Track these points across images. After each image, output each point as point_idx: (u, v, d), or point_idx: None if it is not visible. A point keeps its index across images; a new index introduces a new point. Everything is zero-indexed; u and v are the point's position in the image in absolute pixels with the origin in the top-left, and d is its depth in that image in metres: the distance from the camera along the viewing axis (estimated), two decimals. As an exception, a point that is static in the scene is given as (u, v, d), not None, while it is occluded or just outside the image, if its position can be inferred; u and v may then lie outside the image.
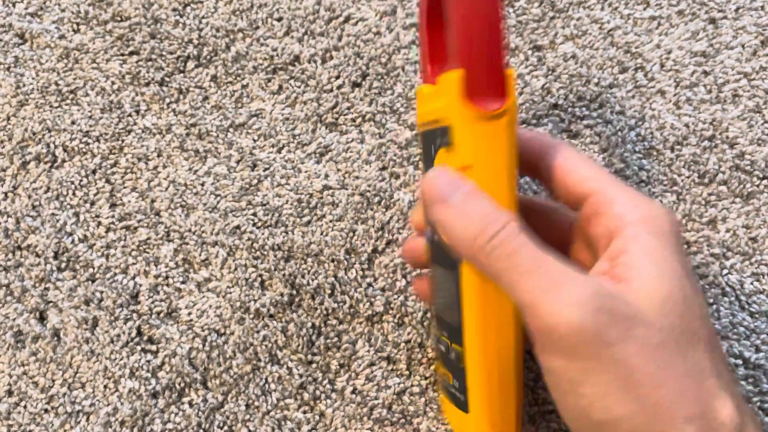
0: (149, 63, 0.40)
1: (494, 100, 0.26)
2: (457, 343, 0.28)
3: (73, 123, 0.39)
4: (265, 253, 0.37)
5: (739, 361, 0.35)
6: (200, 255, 0.38)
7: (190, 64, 0.40)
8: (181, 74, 0.40)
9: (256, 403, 0.36)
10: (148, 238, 0.38)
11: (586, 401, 0.23)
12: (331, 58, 0.39)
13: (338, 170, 0.38)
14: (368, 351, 0.36)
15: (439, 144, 0.28)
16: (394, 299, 0.37)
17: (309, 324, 0.37)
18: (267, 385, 0.36)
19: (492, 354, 0.27)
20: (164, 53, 0.40)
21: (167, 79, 0.40)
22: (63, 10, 0.40)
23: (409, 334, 0.36)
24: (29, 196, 0.38)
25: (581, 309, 0.22)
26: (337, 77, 0.39)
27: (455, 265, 0.27)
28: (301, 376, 0.36)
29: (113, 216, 0.38)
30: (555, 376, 0.24)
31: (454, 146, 0.26)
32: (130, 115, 0.39)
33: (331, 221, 0.38)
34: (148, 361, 0.37)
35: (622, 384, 0.22)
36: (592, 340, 0.22)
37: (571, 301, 0.22)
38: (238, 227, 0.38)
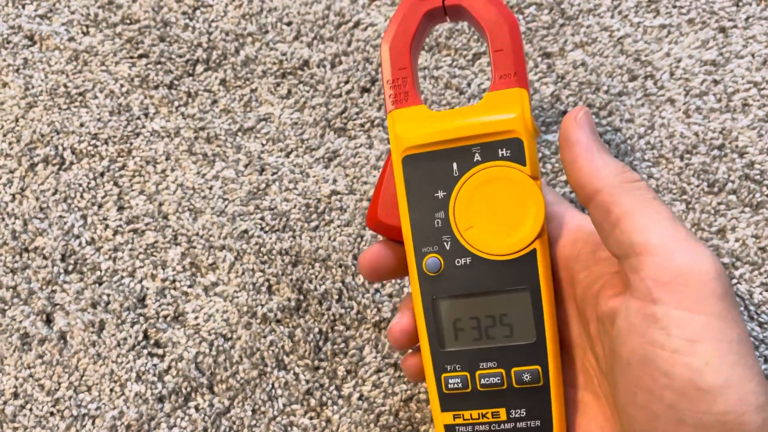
0: (158, 66, 0.40)
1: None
2: (530, 363, 0.27)
3: (81, 125, 0.39)
4: (273, 257, 0.37)
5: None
6: (207, 259, 0.38)
7: (199, 68, 0.40)
8: (190, 77, 0.40)
9: (263, 409, 0.36)
10: (156, 242, 0.38)
11: (701, 361, 0.22)
12: (341, 63, 0.39)
13: (346, 175, 0.38)
14: (375, 357, 0.36)
15: (482, 159, 0.28)
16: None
17: (316, 329, 0.37)
18: (273, 391, 0.36)
19: (560, 363, 0.28)
20: (173, 56, 0.40)
21: (176, 82, 0.40)
22: (72, 13, 0.40)
23: (416, 340, 0.36)
24: (37, 198, 0.38)
25: (718, 263, 0.23)
26: (346, 82, 0.39)
27: (533, 283, 0.27)
28: (307, 381, 0.36)
29: (121, 219, 0.38)
30: (669, 333, 0.22)
31: (527, 159, 0.27)
32: (138, 118, 0.39)
33: (338, 226, 0.38)
34: (155, 365, 0.36)
35: (736, 348, 0.22)
36: (723, 294, 0.22)
37: (709, 253, 0.23)
38: (245, 231, 0.38)
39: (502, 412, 0.28)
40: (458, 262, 0.28)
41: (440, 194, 0.28)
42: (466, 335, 0.28)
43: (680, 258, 0.23)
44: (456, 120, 0.28)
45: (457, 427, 0.28)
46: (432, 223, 0.28)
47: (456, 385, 0.28)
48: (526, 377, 0.27)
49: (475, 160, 0.28)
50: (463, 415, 0.28)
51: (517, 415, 0.27)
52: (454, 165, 0.28)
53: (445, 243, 0.28)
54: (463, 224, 0.28)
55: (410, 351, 0.32)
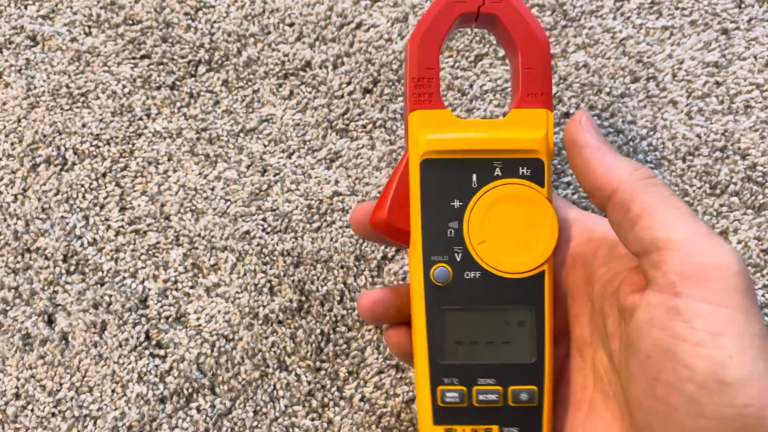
0: (160, 67, 0.40)
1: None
2: (528, 383, 0.28)
3: (83, 126, 0.39)
4: (275, 258, 0.37)
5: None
6: (209, 260, 0.38)
7: (202, 69, 0.40)
8: (192, 78, 0.40)
9: (264, 410, 0.36)
10: (158, 242, 0.38)
11: (724, 354, 0.22)
12: (343, 64, 0.39)
13: (348, 176, 0.38)
14: (377, 358, 0.36)
15: (502, 175, 0.28)
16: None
17: (318, 331, 0.37)
18: (275, 392, 0.36)
19: (553, 384, 0.29)
20: (175, 57, 0.40)
21: (178, 83, 0.40)
22: (75, 13, 0.40)
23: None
24: (39, 199, 0.38)
25: (740, 258, 0.23)
26: (348, 83, 0.39)
27: (539, 304, 0.28)
28: (309, 383, 0.36)
29: (123, 219, 0.38)
30: (692, 326, 0.23)
31: (546, 181, 0.28)
32: (140, 118, 0.39)
33: (340, 227, 0.38)
34: (156, 366, 0.36)
35: (758, 343, 0.22)
36: (746, 288, 0.23)
37: (731, 248, 0.23)
38: (247, 232, 0.38)
39: (495, 429, 0.28)
40: (467, 275, 0.28)
41: (456, 204, 0.28)
42: (468, 349, 0.28)
43: (703, 252, 0.23)
44: (481, 131, 0.28)
45: None
46: (444, 232, 0.28)
47: (453, 399, 0.28)
48: (524, 397, 0.27)
49: (495, 175, 0.28)
50: (455, 429, 0.28)
51: None
52: (474, 176, 0.28)
53: (456, 254, 0.28)
54: (477, 237, 0.28)
55: (386, 326, 0.32)
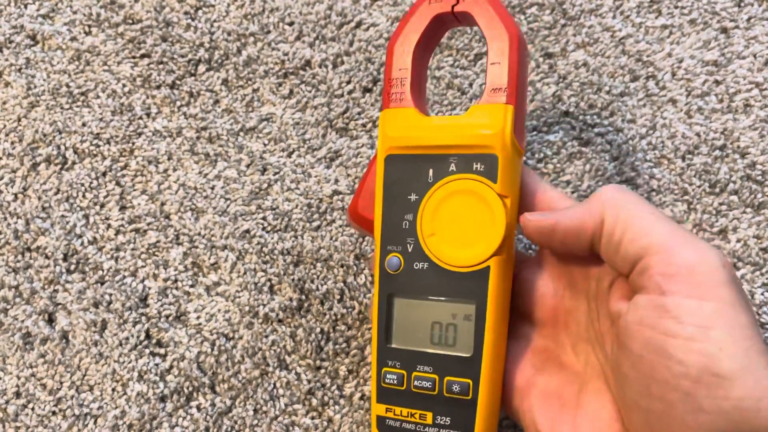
0: (160, 66, 0.40)
1: (521, 139, 0.28)
2: (463, 376, 0.28)
3: (83, 125, 0.39)
4: (275, 257, 0.37)
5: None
6: (209, 259, 0.38)
7: (201, 68, 0.40)
8: (192, 77, 0.40)
9: (264, 408, 0.36)
10: (158, 241, 0.38)
11: (715, 347, 0.22)
12: (342, 63, 0.39)
13: (348, 175, 0.38)
14: (377, 357, 0.36)
15: (456, 170, 0.28)
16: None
17: (318, 329, 0.37)
18: (275, 390, 0.36)
19: (499, 382, 0.29)
20: (175, 56, 0.40)
21: (178, 82, 0.40)
22: (75, 12, 0.40)
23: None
24: (39, 198, 0.39)
25: (720, 255, 0.24)
26: (348, 82, 0.39)
27: (480, 300, 0.28)
28: (309, 381, 0.36)
29: (123, 218, 0.38)
30: (681, 321, 0.23)
31: (498, 176, 0.27)
32: (140, 117, 0.39)
33: (340, 226, 0.38)
34: (157, 365, 0.36)
35: (748, 334, 0.22)
36: (731, 281, 0.23)
37: (710, 246, 0.24)
38: (247, 231, 0.38)
39: (429, 416, 0.29)
40: (416, 265, 0.29)
41: (413, 197, 0.29)
42: (412, 336, 0.29)
43: (685, 252, 0.24)
44: (440, 127, 0.29)
45: (387, 420, 0.29)
46: (400, 224, 0.29)
47: (392, 381, 0.29)
48: (456, 388, 0.28)
49: (450, 170, 0.28)
50: (394, 410, 0.29)
51: (441, 422, 0.28)
52: (431, 171, 0.29)
53: (408, 245, 0.29)
54: (428, 230, 0.29)
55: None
